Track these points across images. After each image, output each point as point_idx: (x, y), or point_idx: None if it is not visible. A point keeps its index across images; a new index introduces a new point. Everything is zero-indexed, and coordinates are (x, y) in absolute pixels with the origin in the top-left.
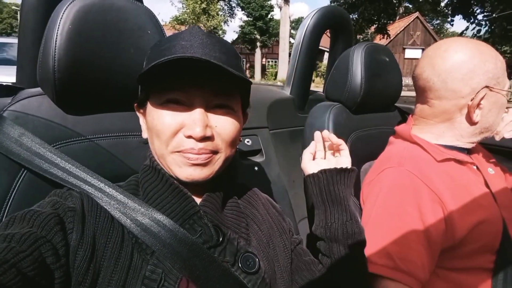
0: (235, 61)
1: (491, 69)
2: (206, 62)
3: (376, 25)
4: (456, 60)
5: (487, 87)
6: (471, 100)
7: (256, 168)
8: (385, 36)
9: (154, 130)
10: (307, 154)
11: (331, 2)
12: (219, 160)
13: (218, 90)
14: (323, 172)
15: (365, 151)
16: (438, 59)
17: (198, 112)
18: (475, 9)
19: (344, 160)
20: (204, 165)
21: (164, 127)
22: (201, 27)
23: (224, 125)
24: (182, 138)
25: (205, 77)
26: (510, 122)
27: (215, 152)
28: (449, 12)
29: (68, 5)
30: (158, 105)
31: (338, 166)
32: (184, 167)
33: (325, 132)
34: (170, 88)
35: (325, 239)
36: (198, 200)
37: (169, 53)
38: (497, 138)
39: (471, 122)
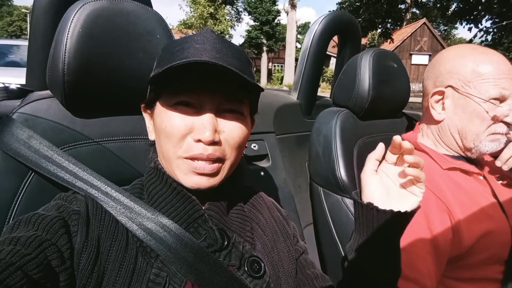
0: (247, 67)
1: (460, 70)
2: (222, 67)
3: (380, 29)
4: (433, 61)
5: (450, 86)
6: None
7: (262, 173)
8: (389, 41)
9: (163, 132)
10: (371, 161)
11: (337, 5)
12: (225, 168)
13: (229, 95)
14: (386, 213)
15: None
16: (429, 64)
17: (208, 116)
18: (482, 14)
19: (414, 200)
20: (211, 175)
21: (174, 130)
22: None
23: (232, 131)
24: (191, 142)
25: (217, 81)
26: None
27: (221, 159)
28: (457, 18)
29: (79, 9)
30: (168, 106)
31: (408, 209)
32: (190, 175)
33: (407, 143)
34: (181, 90)
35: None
36: (202, 204)
37: (182, 55)
38: (505, 167)
39: (434, 120)
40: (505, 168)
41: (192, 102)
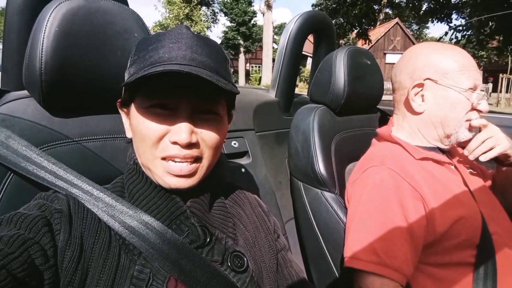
0: (223, 65)
1: (435, 63)
2: (195, 76)
3: (358, 30)
4: (405, 57)
5: (429, 79)
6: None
7: (243, 170)
8: (367, 41)
9: (139, 134)
10: None
11: (312, 7)
12: (202, 168)
13: (204, 97)
14: None
15: (350, 152)
16: (398, 60)
17: (184, 118)
18: (452, 13)
19: None
20: (188, 176)
21: (149, 132)
22: (190, 28)
23: (209, 132)
24: (167, 143)
25: (192, 83)
26: (484, 143)
27: (199, 158)
28: (428, 17)
29: (55, 8)
30: (143, 109)
31: None
32: (167, 177)
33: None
34: (156, 93)
35: None
36: (184, 200)
37: (156, 55)
38: (471, 157)
39: (413, 112)
40: (471, 157)
41: (168, 104)
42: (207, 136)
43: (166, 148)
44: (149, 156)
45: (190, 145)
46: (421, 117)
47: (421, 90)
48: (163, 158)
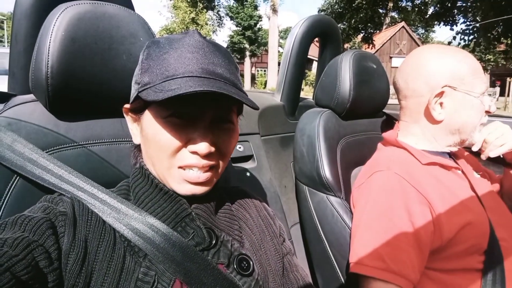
0: (236, 75)
1: (452, 69)
2: (219, 95)
3: (363, 34)
4: (416, 62)
5: (448, 86)
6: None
7: (248, 174)
8: (371, 46)
9: (156, 143)
10: None
11: (319, 11)
12: (217, 175)
13: (221, 107)
14: None
15: (355, 156)
16: (404, 63)
17: (203, 128)
18: (458, 18)
19: None
20: (204, 183)
21: (168, 143)
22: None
23: (226, 141)
24: (186, 153)
25: (211, 95)
26: (493, 142)
27: (214, 167)
28: (435, 20)
29: (61, 13)
30: (161, 118)
31: None
32: (183, 184)
33: None
34: (174, 103)
35: None
36: (189, 203)
37: (173, 65)
38: (475, 148)
39: (434, 121)
40: (475, 148)
41: (186, 114)
42: (223, 145)
43: (184, 158)
44: (166, 164)
45: (208, 155)
46: (439, 125)
47: (440, 97)
48: (180, 167)
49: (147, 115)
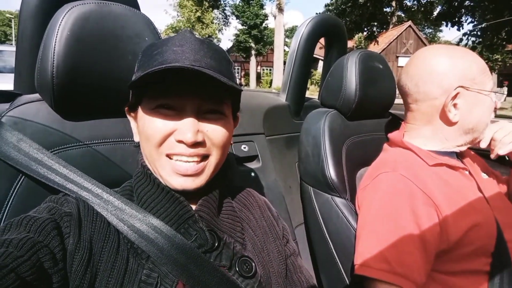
0: (226, 67)
1: (464, 70)
2: (199, 72)
3: (366, 32)
4: (426, 64)
5: (461, 87)
6: (445, 100)
7: (252, 174)
8: (374, 42)
9: (144, 134)
10: None
11: (325, 6)
12: (209, 167)
13: (209, 96)
14: None
15: (360, 157)
16: (411, 66)
17: (189, 118)
18: (465, 18)
19: None
20: (195, 175)
21: (155, 132)
22: (194, 32)
23: (215, 130)
24: (173, 142)
25: (197, 83)
26: (502, 139)
27: (205, 156)
28: (441, 20)
29: (67, 12)
30: (149, 110)
31: None
32: (174, 176)
33: None
34: (161, 94)
35: None
36: (193, 204)
37: (161, 58)
38: (483, 145)
39: (450, 122)
40: (483, 145)
41: (173, 105)
42: (213, 135)
43: (171, 146)
44: (154, 155)
45: (196, 144)
46: (454, 127)
47: (454, 98)
48: (169, 156)
49: (139, 110)
